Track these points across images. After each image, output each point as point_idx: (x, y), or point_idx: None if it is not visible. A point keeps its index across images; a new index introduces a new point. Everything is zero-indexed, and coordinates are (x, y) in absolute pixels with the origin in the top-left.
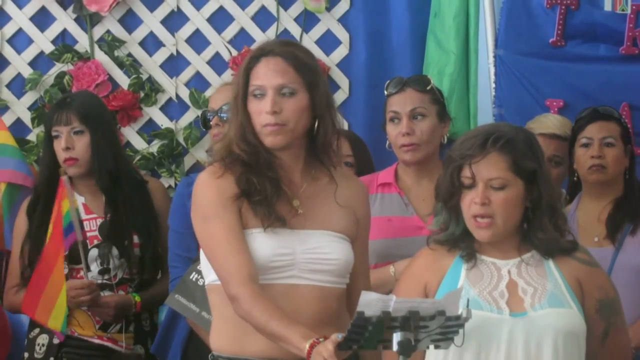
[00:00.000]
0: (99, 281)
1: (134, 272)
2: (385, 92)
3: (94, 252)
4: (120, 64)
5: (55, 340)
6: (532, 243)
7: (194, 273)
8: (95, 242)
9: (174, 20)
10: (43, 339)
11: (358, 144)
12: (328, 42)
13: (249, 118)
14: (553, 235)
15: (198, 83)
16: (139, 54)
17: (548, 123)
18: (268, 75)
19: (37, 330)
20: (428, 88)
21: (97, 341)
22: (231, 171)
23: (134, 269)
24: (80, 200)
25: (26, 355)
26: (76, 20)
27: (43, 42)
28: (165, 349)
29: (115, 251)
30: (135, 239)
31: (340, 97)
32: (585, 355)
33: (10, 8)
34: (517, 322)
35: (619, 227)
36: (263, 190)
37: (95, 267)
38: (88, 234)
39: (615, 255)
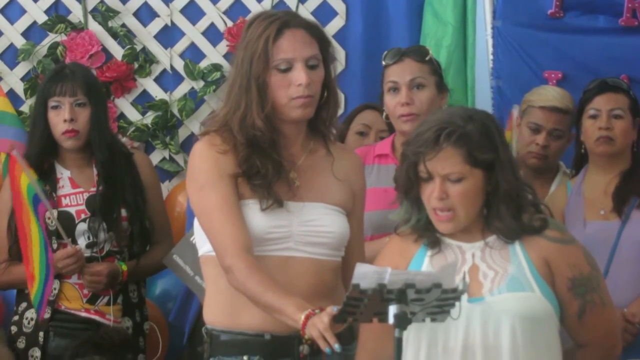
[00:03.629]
0: (87, 255)
1: (122, 244)
2: (383, 63)
3: (81, 226)
4: (114, 34)
5: (46, 315)
6: (491, 229)
7: (194, 235)
8: (83, 216)
9: None
10: (32, 313)
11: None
12: (324, 13)
13: (267, 93)
14: (509, 223)
15: (193, 54)
16: (133, 24)
17: (548, 96)
18: (296, 47)
19: (24, 305)
20: (427, 59)
21: (84, 314)
22: (233, 149)
23: (122, 242)
24: (66, 174)
25: (14, 329)
26: None
27: (36, 12)
28: (184, 318)
29: (103, 225)
30: (123, 212)
31: (336, 68)
32: (567, 332)
33: None
34: (474, 308)
35: (626, 200)
36: (265, 174)
37: (82, 241)
38: (75, 208)
39: (621, 228)
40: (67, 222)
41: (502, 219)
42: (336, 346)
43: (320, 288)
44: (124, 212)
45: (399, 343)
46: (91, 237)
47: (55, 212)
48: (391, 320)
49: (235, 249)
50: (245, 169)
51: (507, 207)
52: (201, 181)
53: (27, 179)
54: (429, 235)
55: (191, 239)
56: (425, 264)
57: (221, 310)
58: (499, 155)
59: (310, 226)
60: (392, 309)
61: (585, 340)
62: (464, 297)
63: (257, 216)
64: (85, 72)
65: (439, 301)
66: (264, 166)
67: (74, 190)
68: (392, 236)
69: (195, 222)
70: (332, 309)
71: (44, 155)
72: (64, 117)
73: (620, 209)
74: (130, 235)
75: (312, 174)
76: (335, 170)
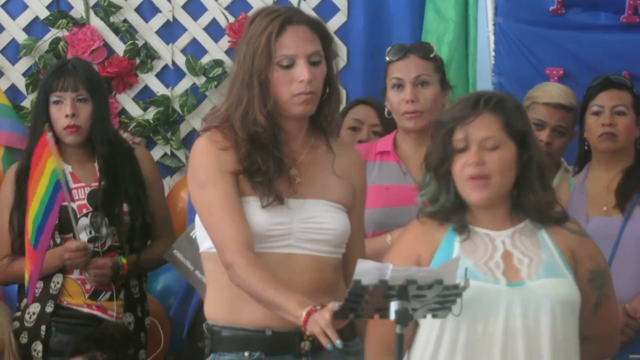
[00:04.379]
0: (90, 249)
1: (123, 239)
2: (387, 58)
3: (83, 221)
4: (115, 30)
5: (48, 309)
6: (524, 209)
7: (195, 230)
8: (84, 210)
9: None
10: (34, 308)
11: (384, 113)
12: (326, 9)
13: (269, 89)
14: (544, 197)
15: (194, 50)
16: (135, 20)
17: (552, 93)
18: (299, 43)
19: (26, 300)
20: (431, 56)
21: (86, 310)
22: (234, 145)
23: (124, 236)
24: (67, 168)
25: (16, 324)
26: None
27: (38, 7)
28: (184, 313)
29: (105, 219)
30: (124, 207)
31: (338, 64)
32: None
33: None
34: (514, 292)
35: (629, 197)
36: (266, 171)
37: (84, 236)
38: (77, 203)
39: (624, 224)
40: (69, 216)
41: (536, 193)
42: (338, 342)
43: (321, 285)
44: (125, 207)
45: (400, 339)
46: (93, 232)
47: (75, 205)
48: (392, 316)
49: (236, 245)
50: (246, 165)
51: (539, 183)
52: (202, 178)
53: (53, 163)
54: (456, 220)
55: (191, 233)
56: (456, 250)
57: (222, 306)
58: (530, 130)
59: (310, 223)
60: (394, 305)
61: (593, 332)
62: (503, 281)
63: (257, 213)
64: (87, 67)
65: (440, 297)
66: (265, 163)
67: (76, 185)
68: (410, 224)
69: (197, 219)
70: (334, 305)
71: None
72: (66, 112)
73: (622, 206)
74: (131, 230)
75: (313, 171)
76: (336, 167)
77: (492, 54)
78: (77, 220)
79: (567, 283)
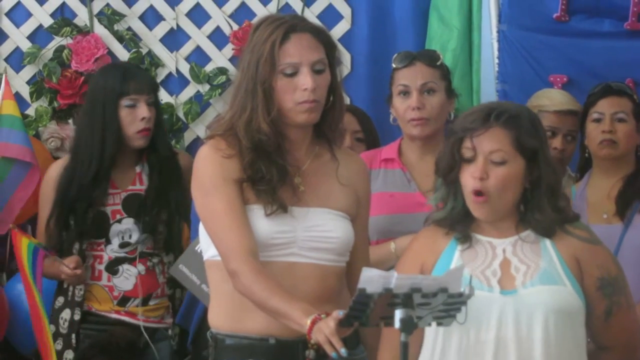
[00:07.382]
0: (120, 255)
1: (159, 246)
2: (393, 65)
3: (116, 227)
4: (119, 38)
5: (76, 317)
6: (530, 224)
7: (200, 244)
8: (118, 216)
9: None
10: (66, 314)
11: (365, 119)
12: (330, 16)
13: (273, 97)
14: (551, 216)
15: (198, 57)
16: (139, 27)
17: (561, 100)
18: (302, 51)
19: (61, 299)
20: (438, 63)
21: (114, 316)
22: (238, 153)
23: (160, 244)
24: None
25: (52, 328)
26: None
27: (42, 15)
28: (189, 320)
29: (139, 225)
30: (164, 214)
31: (342, 72)
32: (590, 335)
33: None
34: (507, 300)
35: (629, 204)
36: (270, 179)
37: (116, 241)
38: (110, 208)
39: (624, 232)
40: (102, 222)
41: (543, 212)
42: (342, 350)
43: (325, 293)
44: (164, 215)
45: (404, 347)
46: (124, 238)
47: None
48: (397, 324)
49: (240, 253)
50: (250, 174)
51: (548, 201)
52: (207, 185)
53: (27, 240)
54: (460, 229)
55: (196, 247)
56: (455, 258)
57: (226, 314)
58: (543, 147)
59: (314, 232)
60: (398, 313)
61: (608, 342)
62: (497, 289)
63: (261, 221)
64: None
65: (445, 305)
66: (269, 171)
67: (112, 190)
68: (420, 231)
69: (200, 227)
70: (338, 314)
71: (116, 156)
72: (143, 115)
73: (623, 213)
74: (168, 238)
75: (316, 179)
76: (340, 175)
77: (496, 61)
78: (108, 227)
79: (564, 291)
